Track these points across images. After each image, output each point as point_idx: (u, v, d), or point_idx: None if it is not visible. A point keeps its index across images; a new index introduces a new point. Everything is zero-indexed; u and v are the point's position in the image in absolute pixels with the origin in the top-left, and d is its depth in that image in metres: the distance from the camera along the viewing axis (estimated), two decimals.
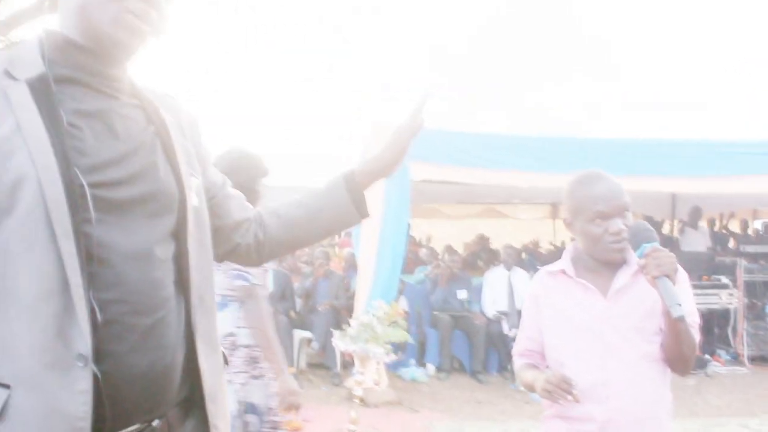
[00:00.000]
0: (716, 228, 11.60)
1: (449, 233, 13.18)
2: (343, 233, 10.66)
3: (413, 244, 10.32)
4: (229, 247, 1.68)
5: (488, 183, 7.09)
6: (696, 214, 9.76)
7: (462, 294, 7.79)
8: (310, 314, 7.64)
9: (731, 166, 6.51)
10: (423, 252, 9.35)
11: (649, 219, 10.95)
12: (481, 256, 10.25)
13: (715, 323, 8.01)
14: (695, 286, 7.25)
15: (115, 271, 1.28)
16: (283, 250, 1.80)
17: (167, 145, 1.44)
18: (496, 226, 14.11)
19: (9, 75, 1.28)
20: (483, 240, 11.09)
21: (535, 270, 2.39)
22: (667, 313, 1.90)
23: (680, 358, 2.05)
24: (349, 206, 1.71)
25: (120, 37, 1.34)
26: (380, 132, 6.38)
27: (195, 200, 1.47)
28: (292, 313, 7.76)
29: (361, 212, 1.73)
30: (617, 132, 6.32)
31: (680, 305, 1.81)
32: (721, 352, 8.01)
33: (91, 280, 1.23)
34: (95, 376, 1.21)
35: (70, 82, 1.33)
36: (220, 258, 1.65)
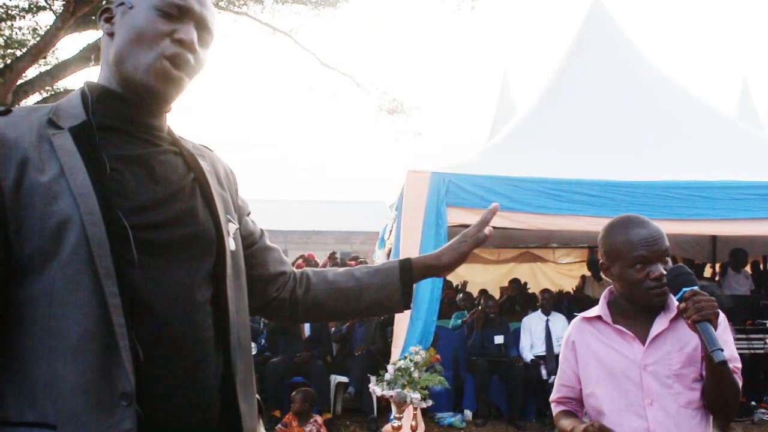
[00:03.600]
0: (760, 271, 11.34)
1: (487, 278, 13.09)
2: None
3: (449, 289, 10.25)
4: (264, 300, 1.70)
5: (525, 227, 7.04)
6: (740, 256, 9.54)
7: (499, 339, 7.70)
8: (347, 359, 7.61)
9: None
10: (459, 297, 9.29)
11: (689, 262, 10.78)
12: (519, 300, 10.14)
13: (761, 369, 7.80)
14: (739, 331, 7.14)
15: (157, 313, 1.31)
16: (318, 314, 1.80)
17: (205, 191, 1.48)
18: (533, 270, 14.00)
19: (54, 124, 1.33)
20: (519, 285, 10.98)
21: (574, 315, 2.36)
22: (708, 359, 1.86)
23: (723, 405, 2.01)
24: (397, 294, 1.72)
25: (153, 86, 1.38)
26: (415, 180, 6.39)
27: (232, 244, 1.50)
28: (329, 358, 7.73)
29: (406, 304, 1.74)
30: (656, 174, 6.23)
31: (722, 350, 1.78)
32: None
33: (133, 320, 1.25)
34: (138, 416, 1.23)
35: (112, 130, 1.38)
36: (254, 311, 1.66)
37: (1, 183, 1.24)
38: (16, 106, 1.40)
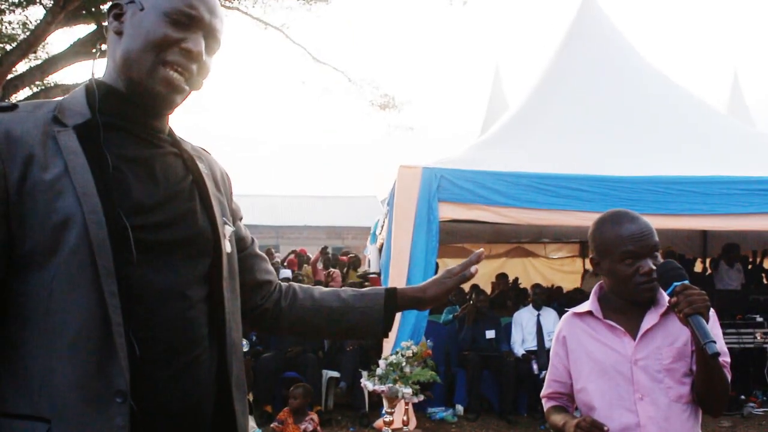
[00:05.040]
0: (749, 265, 11.38)
1: (478, 273, 13.07)
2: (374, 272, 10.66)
3: None
4: (248, 307, 1.69)
5: (516, 222, 7.06)
6: (733, 251, 9.54)
7: (490, 334, 7.72)
8: (338, 354, 7.61)
9: (763, 203, 6.42)
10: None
11: (680, 257, 10.82)
12: (510, 295, 10.16)
13: (750, 363, 7.83)
14: (729, 325, 7.16)
15: (153, 310, 1.32)
16: (300, 328, 1.81)
17: (203, 193, 1.49)
18: (525, 265, 14.01)
19: (59, 122, 1.34)
20: (506, 280, 10.99)
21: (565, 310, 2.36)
22: (699, 351, 1.87)
23: (713, 398, 2.02)
24: (379, 321, 1.74)
25: (158, 91, 1.40)
26: (407, 175, 6.39)
27: (228, 247, 1.52)
28: (320, 353, 7.74)
29: (386, 331, 1.77)
30: (647, 169, 6.25)
31: (715, 342, 1.79)
32: (757, 393, 7.81)
33: (130, 318, 1.27)
34: (132, 412, 1.24)
35: (114, 129, 1.39)
36: None
37: (6, 178, 1.25)
38: (19, 101, 1.41)
